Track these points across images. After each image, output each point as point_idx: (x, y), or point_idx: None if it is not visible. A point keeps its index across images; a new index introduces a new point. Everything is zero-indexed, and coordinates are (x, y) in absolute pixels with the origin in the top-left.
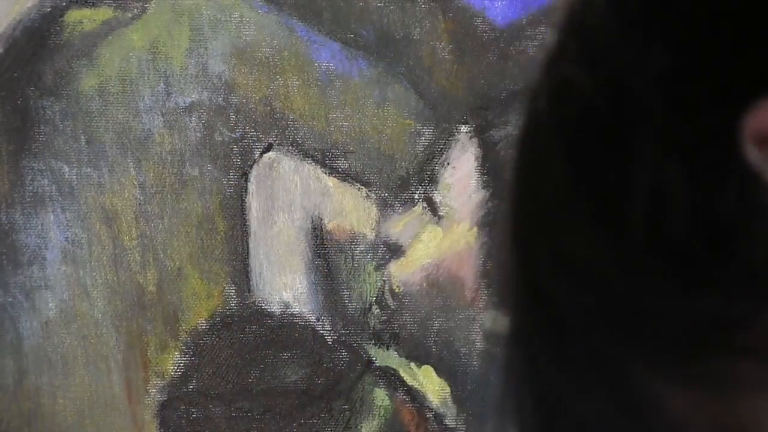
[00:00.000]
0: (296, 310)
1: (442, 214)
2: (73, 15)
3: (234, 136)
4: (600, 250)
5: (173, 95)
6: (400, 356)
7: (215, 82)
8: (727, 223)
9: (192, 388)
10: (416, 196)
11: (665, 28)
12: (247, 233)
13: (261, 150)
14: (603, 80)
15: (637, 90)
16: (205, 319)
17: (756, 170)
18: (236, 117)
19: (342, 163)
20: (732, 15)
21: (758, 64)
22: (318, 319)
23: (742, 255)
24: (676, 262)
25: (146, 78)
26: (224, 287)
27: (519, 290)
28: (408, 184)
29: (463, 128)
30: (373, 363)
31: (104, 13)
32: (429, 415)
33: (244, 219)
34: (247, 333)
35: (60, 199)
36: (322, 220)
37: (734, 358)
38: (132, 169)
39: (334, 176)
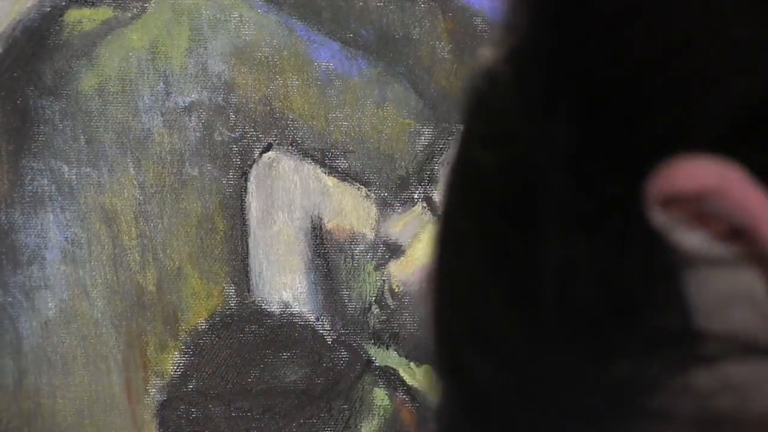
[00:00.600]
0: (296, 309)
1: None
2: (73, 15)
3: (233, 135)
4: (514, 327)
5: (173, 95)
6: (400, 356)
7: (215, 81)
8: (633, 290)
9: (191, 388)
10: (416, 196)
11: (567, 104)
12: (246, 233)
13: (260, 150)
14: (508, 160)
15: (540, 167)
16: (204, 319)
17: (662, 232)
18: (236, 117)
19: (341, 163)
20: (629, 82)
21: (656, 129)
22: (317, 319)
23: (649, 319)
24: (586, 332)
25: (146, 78)
26: (224, 287)
27: (444, 366)
28: (408, 183)
29: None
30: (373, 362)
31: (104, 12)
32: (428, 414)
33: (244, 219)
34: (246, 333)
35: (59, 198)
36: (321, 219)
37: (648, 422)
38: (131, 169)
39: (334, 176)
